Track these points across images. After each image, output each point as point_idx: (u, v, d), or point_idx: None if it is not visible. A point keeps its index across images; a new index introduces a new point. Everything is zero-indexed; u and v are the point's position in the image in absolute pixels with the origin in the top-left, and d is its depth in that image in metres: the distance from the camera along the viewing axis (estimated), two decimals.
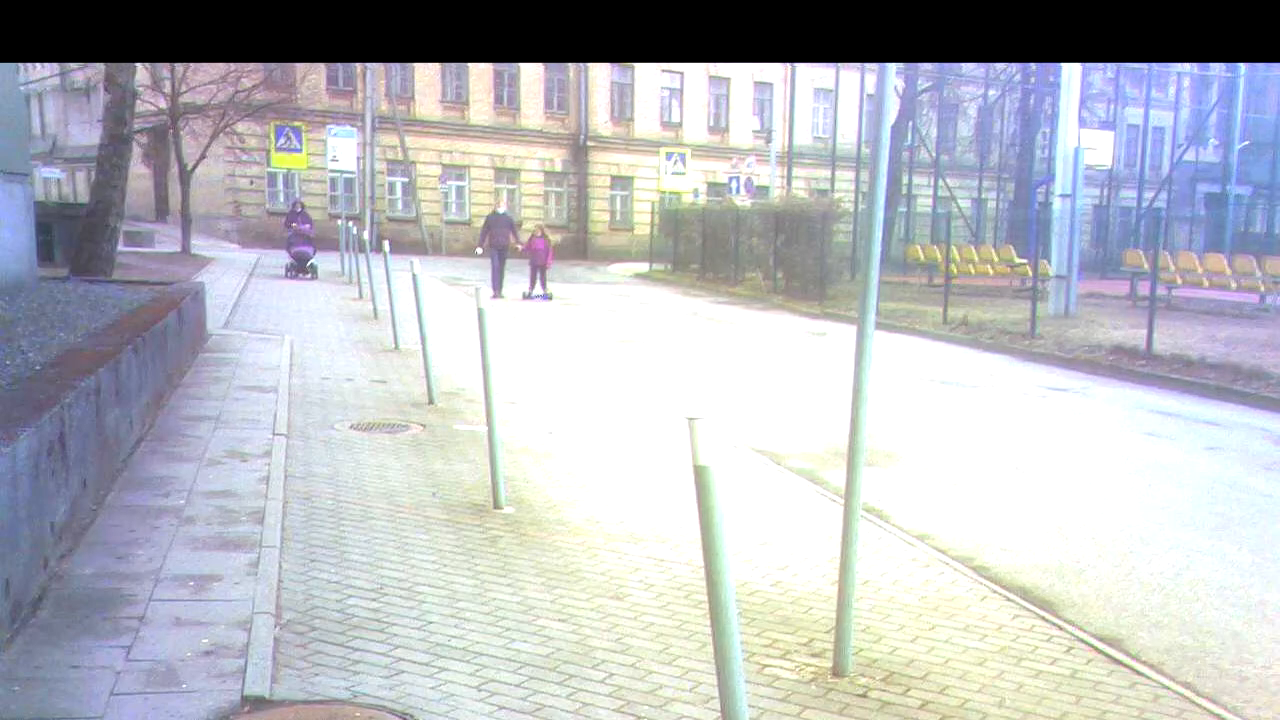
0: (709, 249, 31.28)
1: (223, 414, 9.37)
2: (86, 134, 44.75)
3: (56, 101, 51.99)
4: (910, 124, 37.71)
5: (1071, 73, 20.79)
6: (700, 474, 3.37)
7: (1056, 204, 20.70)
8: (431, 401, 10.60)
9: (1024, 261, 25.18)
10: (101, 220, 17.28)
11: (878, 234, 4.62)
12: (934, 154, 38.64)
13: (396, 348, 14.05)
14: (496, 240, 23.88)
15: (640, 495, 7.60)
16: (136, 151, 38.56)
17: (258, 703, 4.04)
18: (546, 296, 23.39)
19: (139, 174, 41.75)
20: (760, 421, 10.87)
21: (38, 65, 54.23)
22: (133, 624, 4.67)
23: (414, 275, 11.10)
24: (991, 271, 27.08)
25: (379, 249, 17.27)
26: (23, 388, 6.01)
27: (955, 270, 26.03)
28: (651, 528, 6.82)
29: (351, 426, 9.38)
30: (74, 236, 18.13)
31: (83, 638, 4.49)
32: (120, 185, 17.85)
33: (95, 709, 3.85)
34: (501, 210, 25.42)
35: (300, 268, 24.85)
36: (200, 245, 33.03)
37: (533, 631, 5.01)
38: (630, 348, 16.38)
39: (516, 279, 25.11)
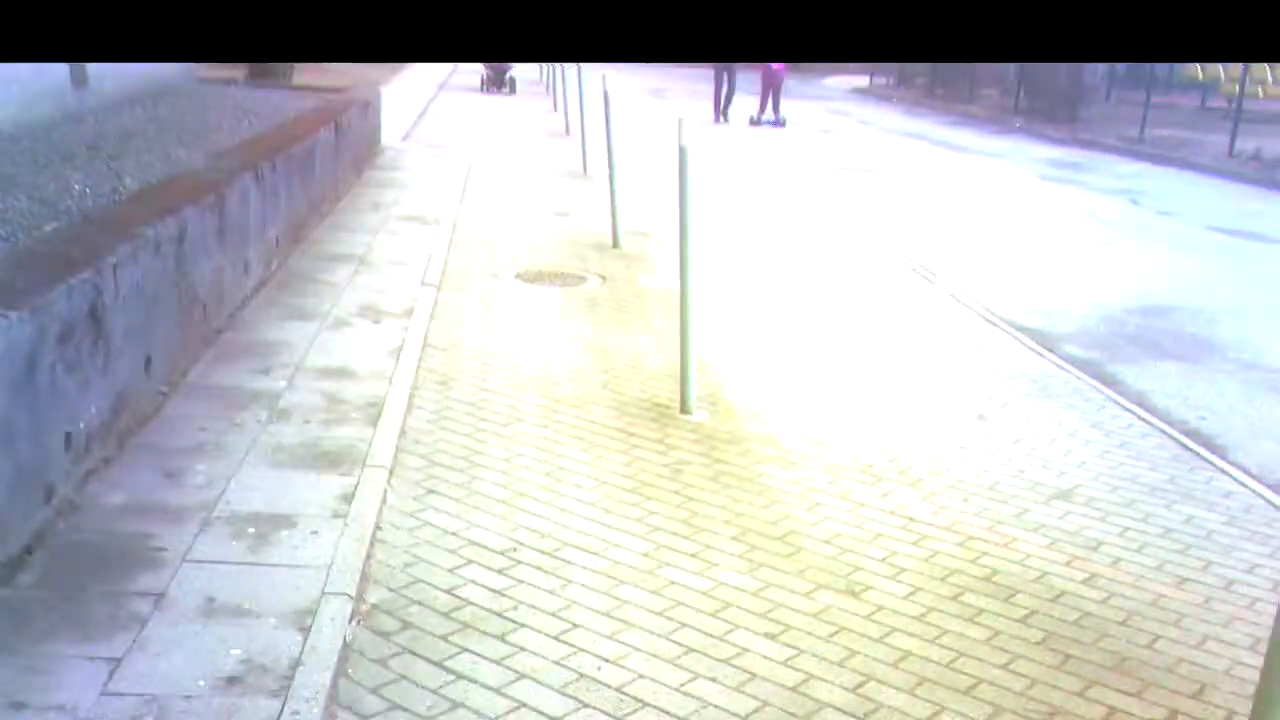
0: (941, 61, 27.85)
1: (371, 252, 7.88)
2: None
3: None
4: None
5: None
6: None
7: None
8: (616, 245, 8.86)
9: None
10: None
11: None
12: None
13: (585, 172, 12.30)
14: None
15: (876, 398, 5.70)
16: None
17: None
18: (779, 122, 19.49)
19: None
20: (1015, 285, 8.65)
21: None
22: (143, 610, 3.20)
23: (604, 94, 9.18)
24: None
25: None
26: (65, 238, 4.56)
27: (1235, 90, 22.07)
28: (892, 456, 4.95)
29: (517, 275, 7.75)
30: None
31: (58, 638, 3.04)
32: None
33: None
34: None
35: (497, 80, 22.06)
36: None
37: (725, 658, 3.29)
38: (851, 179, 14.10)
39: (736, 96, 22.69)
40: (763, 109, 19.68)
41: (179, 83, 10.89)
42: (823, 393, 5.74)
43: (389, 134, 13.72)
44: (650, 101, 22.70)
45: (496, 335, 6.32)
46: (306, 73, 18.75)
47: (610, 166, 9.23)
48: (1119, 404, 5.87)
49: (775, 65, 19.43)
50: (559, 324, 6.65)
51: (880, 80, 31.38)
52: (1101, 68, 24.63)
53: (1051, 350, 6.88)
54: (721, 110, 19.96)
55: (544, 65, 23.54)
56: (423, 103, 18.53)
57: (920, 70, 29.27)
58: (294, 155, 7.66)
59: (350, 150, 10.30)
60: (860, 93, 30.14)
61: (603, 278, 7.85)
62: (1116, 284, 8.90)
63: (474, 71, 23.70)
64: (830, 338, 6.78)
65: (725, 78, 19.79)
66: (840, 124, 21.38)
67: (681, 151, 5.24)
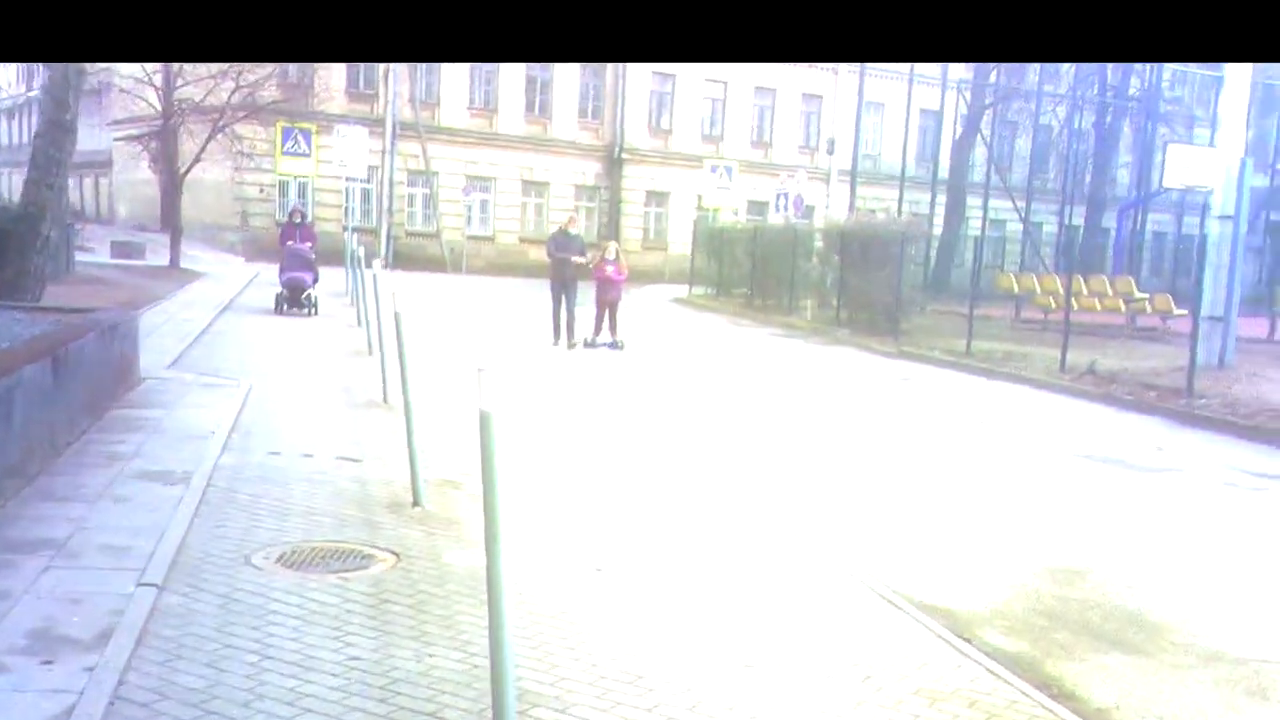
0: (760, 273, 27.68)
1: (79, 532, 5.87)
2: (94, 137, 40.99)
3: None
4: (987, 142, 33.94)
5: (1239, 71, 17.25)
6: None
7: (1214, 228, 17.09)
8: (417, 502, 7.09)
9: (1145, 296, 21.45)
10: (31, 228, 13.83)
11: None
12: (1004, 174, 34.96)
13: (385, 400, 10.56)
14: (563, 270, 17.40)
15: None
16: (143, 157, 35.09)
17: None
18: (615, 344, 17.42)
19: (144, 180, 38.58)
20: (898, 544, 7.28)
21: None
22: None
23: (395, 315, 7.60)
24: (1099, 307, 23.20)
25: (383, 264, 13.71)
26: None
27: (1053, 303, 22.42)
28: None
29: (280, 558, 5.86)
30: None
31: None
32: (59, 185, 14.46)
33: None
34: (574, 231, 18.39)
35: (294, 299, 19.24)
36: (201, 258, 29.85)
37: None
38: (688, 408, 12.84)
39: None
40: (598, 330, 17.65)
41: None
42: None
43: (155, 361, 11.74)
44: (471, 312, 21.34)
45: (233, 670, 4.40)
46: (67, 286, 16.68)
47: (406, 402, 7.52)
48: None
49: (610, 274, 17.57)
50: (328, 640, 4.78)
51: (699, 290, 31.13)
52: (916, 280, 24.74)
53: (971, 640, 5.42)
54: (561, 332, 17.59)
55: (348, 274, 21.56)
56: (204, 323, 16.53)
57: (738, 280, 29.11)
58: None
59: (84, 387, 8.29)
60: (680, 303, 29.73)
61: (396, 555, 6.04)
62: (1009, 537, 7.65)
63: (270, 284, 21.63)
64: (699, 633, 5.13)
65: (564, 298, 17.46)
66: (668, 342, 20.26)
67: (483, 419, 3.61)
